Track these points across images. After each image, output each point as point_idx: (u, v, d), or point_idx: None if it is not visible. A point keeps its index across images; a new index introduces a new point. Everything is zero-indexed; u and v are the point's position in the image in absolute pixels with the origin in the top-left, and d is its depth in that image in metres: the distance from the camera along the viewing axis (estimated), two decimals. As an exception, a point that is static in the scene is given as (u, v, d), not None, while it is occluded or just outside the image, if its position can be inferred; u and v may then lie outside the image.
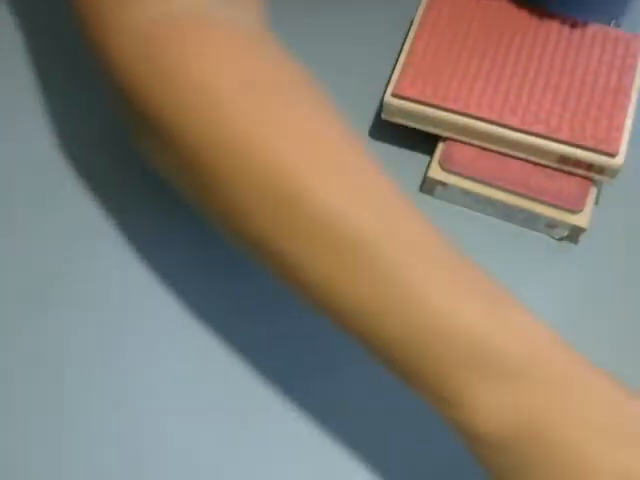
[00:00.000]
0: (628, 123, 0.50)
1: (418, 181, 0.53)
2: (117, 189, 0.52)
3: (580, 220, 0.51)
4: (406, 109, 0.51)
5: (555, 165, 0.51)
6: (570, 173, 0.51)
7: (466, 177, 0.51)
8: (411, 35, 0.54)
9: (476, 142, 0.51)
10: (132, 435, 0.46)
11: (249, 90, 0.38)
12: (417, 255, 0.36)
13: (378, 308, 0.36)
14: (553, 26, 0.54)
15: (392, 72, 0.57)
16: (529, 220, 0.52)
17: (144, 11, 0.40)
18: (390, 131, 0.55)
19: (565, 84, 0.52)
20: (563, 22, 0.54)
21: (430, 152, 0.54)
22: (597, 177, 0.50)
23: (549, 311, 0.50)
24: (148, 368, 0.47)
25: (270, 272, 0.40)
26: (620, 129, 0.50)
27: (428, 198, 0.53)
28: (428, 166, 0.54)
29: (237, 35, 0.40)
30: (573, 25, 0.54)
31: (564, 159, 0.50)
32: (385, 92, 0.56)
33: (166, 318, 0.49)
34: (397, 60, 0.57)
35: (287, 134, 0.38)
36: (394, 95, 0.51)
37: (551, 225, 0.51)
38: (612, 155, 0.49)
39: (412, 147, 0.55)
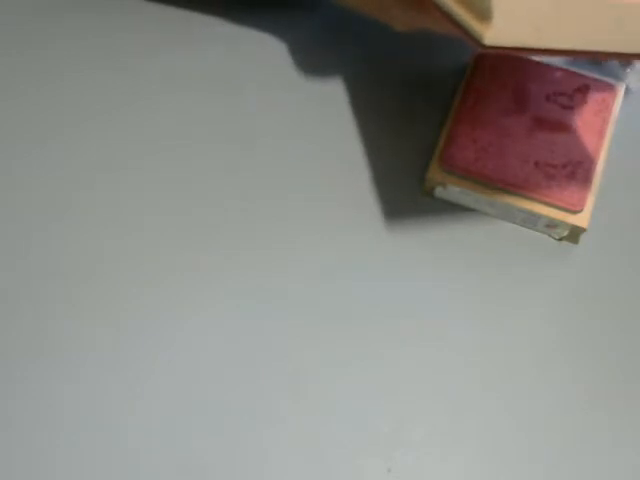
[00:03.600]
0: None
1: (418, 181, 0.53)
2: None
3: (580, 220, 0.51)
4: None
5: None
6: (570, 174, 0.51)
7: (466, 177, 0.51)
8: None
9: None
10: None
11: None
12: None
13: None
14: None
15: None
16: (529, 220, 0.52)
17: None
18: (390, 130, 0.55)
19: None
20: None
21: (430, 152, 0.54)
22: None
23: (549, 311, 0.50)
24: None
25: None
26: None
27: (428, 198, 0.53)
28: (428, 166, 0.54)
29: None
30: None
31: None
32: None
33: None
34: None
35: None
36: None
37: (551, 225, 0.51)
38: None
39: (412, 147, 0.55)
